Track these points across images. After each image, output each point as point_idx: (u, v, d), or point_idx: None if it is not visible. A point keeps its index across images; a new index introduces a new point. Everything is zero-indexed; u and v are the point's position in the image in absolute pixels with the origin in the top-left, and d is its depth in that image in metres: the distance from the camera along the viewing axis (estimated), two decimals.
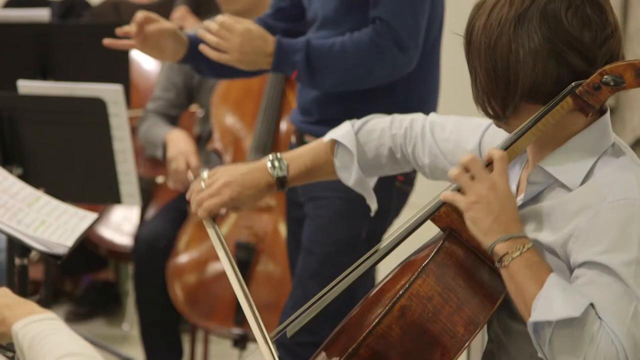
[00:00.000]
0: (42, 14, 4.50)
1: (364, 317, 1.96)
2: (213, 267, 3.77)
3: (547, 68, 1.85)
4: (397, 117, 2.29)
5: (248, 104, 3.88)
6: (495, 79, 1.87)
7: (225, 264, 2.13)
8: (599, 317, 1.77)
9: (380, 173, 2.35)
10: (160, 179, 4.00)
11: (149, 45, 2.80)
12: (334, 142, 2.29)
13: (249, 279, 3.67)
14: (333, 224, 2.93)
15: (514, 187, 2.00)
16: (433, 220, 1.95)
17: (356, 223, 2.91)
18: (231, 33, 2.72)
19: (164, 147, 3.96)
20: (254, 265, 3.70)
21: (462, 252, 1.90)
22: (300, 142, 2.97)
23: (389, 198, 2.94)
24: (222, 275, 3.65)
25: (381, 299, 1.96)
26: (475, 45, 1.90)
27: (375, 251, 2.04)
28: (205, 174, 2.27)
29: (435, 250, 1.88)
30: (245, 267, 3.68)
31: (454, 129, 2.20)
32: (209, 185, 2.24)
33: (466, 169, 1.87)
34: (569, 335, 1.76)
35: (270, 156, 2.26)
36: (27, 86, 3.45)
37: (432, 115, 2.27)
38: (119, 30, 2.82)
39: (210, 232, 2.20)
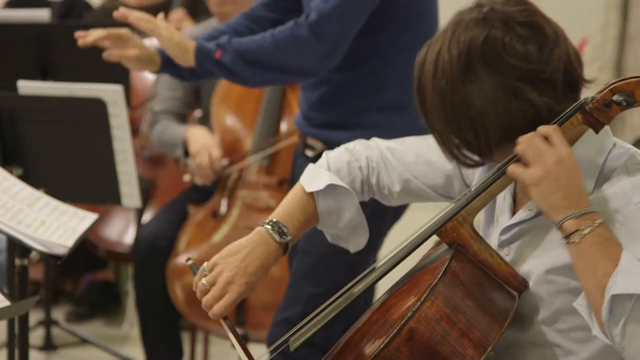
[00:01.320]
0: (42, 14, 4.51)
1: (370, 337, 1.92)
2: None
3: (509, 108, 1.83)
4: (349, 147, 2.18)
5: (248, 105, 3.87)
6: (465, 136, 1.86)
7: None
8: None
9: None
10: (187, 177, 3.95)
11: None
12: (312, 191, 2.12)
13: None
14: None
15: (510, 198, 1.98)
16: (439, 235, 1.93)
17: None
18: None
19: (184, 145, 3.93)
20: None
21: (469, 270, 1.88)
22: (304, 144, 2.97)
23: None
24: None
25: (387, 318, 1.92)
26: (431, 110, 1.88)
27: (380, 264, 2.01)
28: (205, 265, 2.09)
29: (443, 270, 1.84)
30: None
31: (420, 151, 2.15)
32: (211, 283, 2.06)
33: (530, 144, 1.82)
34: None
35: (268, 225, 2.12)
36: (27, 86, 3.45)
37: (377, 140, 2.19)
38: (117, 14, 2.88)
39: (225, 329, 2.08)
